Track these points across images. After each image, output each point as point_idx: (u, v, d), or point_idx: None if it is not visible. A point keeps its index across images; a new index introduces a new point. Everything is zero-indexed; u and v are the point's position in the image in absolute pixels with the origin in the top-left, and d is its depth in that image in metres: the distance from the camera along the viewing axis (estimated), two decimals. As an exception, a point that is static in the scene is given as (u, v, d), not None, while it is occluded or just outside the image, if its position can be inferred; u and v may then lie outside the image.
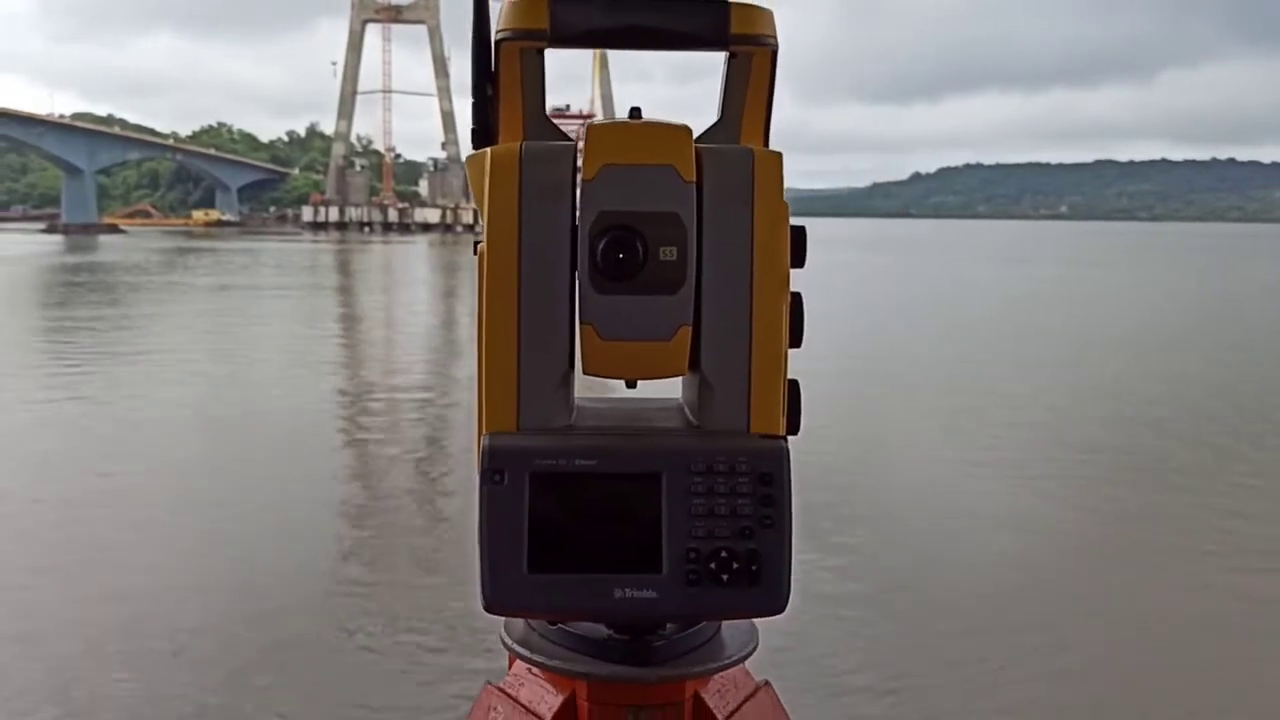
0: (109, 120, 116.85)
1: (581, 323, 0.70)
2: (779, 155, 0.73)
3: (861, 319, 17.08)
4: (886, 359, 13.33)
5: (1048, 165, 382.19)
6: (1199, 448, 8.34)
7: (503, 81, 0.76)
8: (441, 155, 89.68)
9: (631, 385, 0.74)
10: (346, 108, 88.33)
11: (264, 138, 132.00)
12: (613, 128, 0.71)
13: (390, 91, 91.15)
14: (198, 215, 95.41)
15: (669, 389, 0.81)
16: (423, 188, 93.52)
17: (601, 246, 0.69)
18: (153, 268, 33.52)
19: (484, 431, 0.71)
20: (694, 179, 0.70)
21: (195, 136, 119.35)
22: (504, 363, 0.71)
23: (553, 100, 0.85)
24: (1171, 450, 8.25)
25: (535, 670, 0.77)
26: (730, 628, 0.78)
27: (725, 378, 0.72)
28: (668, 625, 0.74)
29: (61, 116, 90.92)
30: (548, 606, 0.70)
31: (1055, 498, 6.78)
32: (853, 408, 9.46)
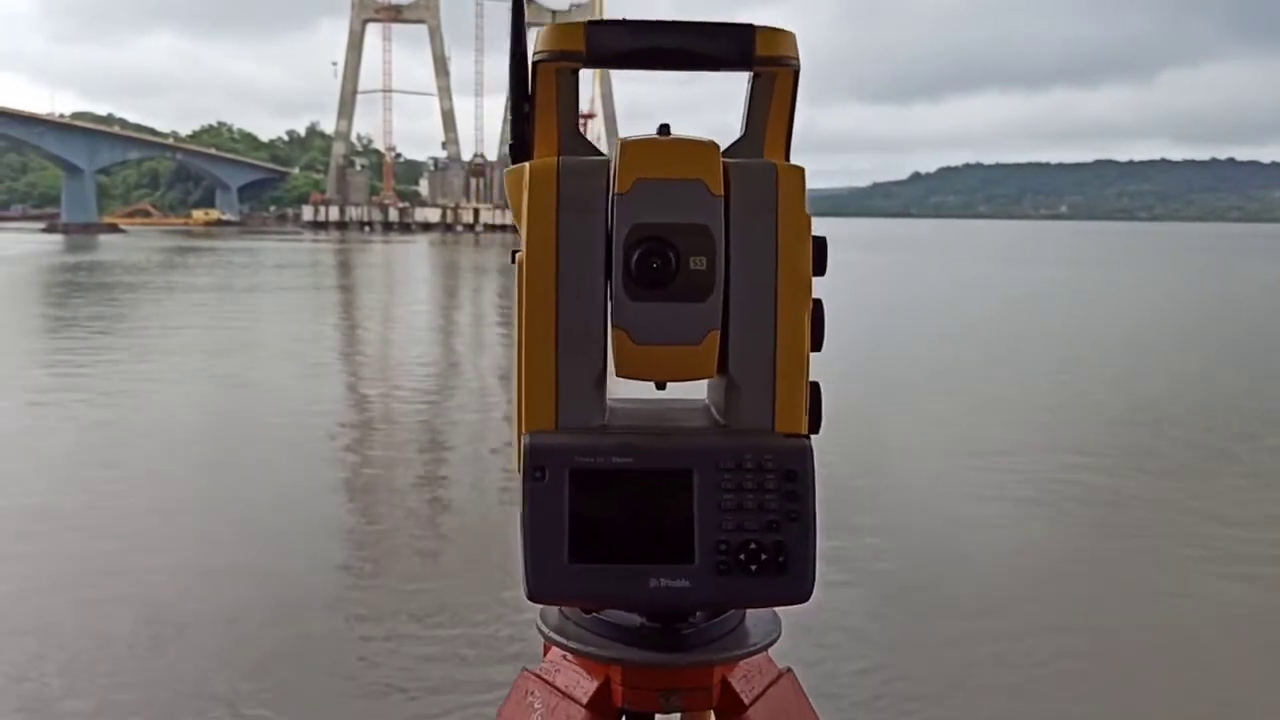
0: (109, 120, 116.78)
1: (615, 328, 0.74)
2: (801, 170, 0.77)
3: (862, 319, 17.11)
4: (886, 359, 13.36)
5: (1048, 165, 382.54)
6: (1197, 448, 8.38)
7: (539, 100, 0.80)
8: (442, 155, 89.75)
9: (661, 387, 0.78)
10: (347, 107, 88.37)
11: (264, 137, 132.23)
12: (646, 144, 0.75)
13: (390, 91, 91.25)
14: (198, 215, 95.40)
15: (693, 391, 0.85)
16: (423, 187, 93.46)
17: (636, 256, 0.73)
18: (153, 267, 33.56)
19: (524, 431, 0.75)
20: (722, 193, 0.74)
21: (195, 136, 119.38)
22: (543, 365, 0.75)
23: None
24: (1171, 450, 8.29)
25: (569, 657, 0.81)
26: (754, 618, 0.82)
27: (751, 380, 0.76)
28: (697, 614, 0.78)
29: (62, 116, 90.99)
30: (587, 595, 0.74)
31: (1054, 497, 6.82)
32: (850, 407, 9.49)
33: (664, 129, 0.78)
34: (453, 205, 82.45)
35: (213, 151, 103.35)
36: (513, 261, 0.77)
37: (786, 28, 0.80)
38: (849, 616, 4.66)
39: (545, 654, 0.84)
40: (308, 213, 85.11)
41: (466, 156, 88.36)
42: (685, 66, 0.81)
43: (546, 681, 0.81)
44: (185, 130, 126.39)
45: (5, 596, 4.85)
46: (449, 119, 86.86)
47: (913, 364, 13.12)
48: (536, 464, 0.73)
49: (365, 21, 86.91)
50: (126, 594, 4.84)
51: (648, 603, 0.75)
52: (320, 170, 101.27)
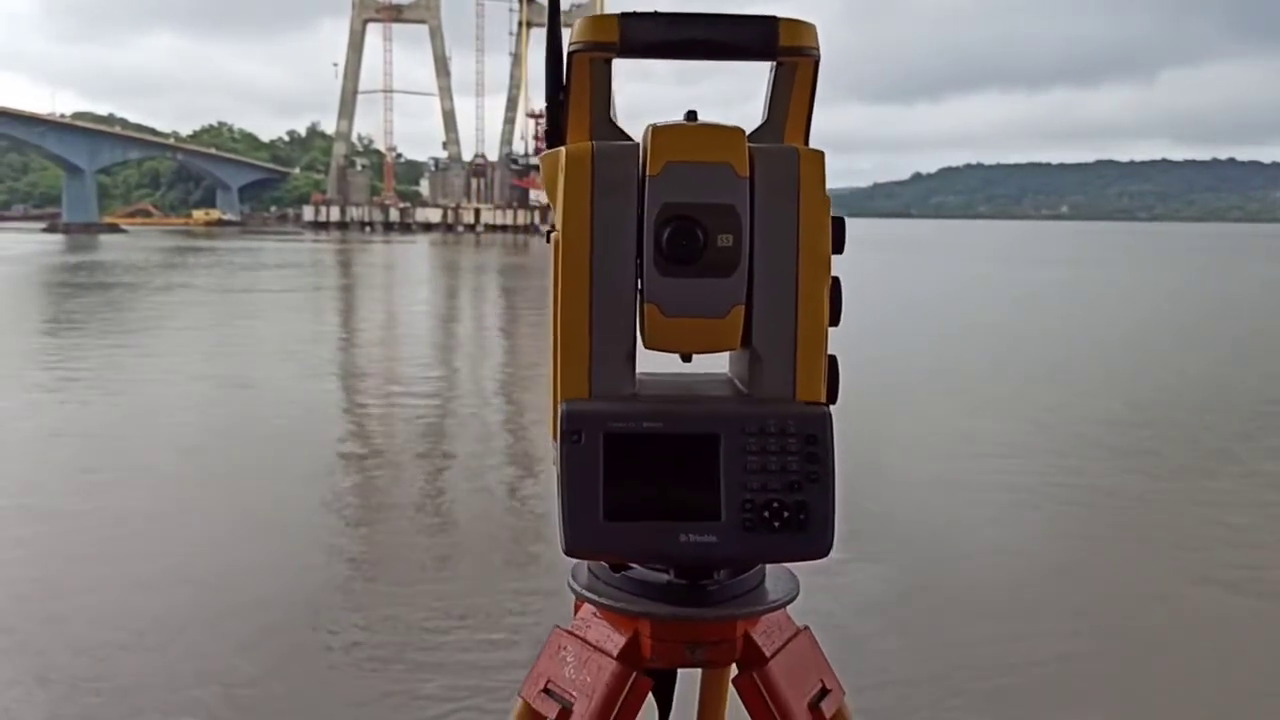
0: (110, 120, 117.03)
1: (646, 302, 0.79)
2: (821, 154, 0.82)
3: (861, 319, 17.13)
4: (886, 359, 13.40)
5: (1048, 165, 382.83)
6: (1197, 448, 8.42)
7: (574, 88, 0.85)
8: (442, 155, 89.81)
9: (687, 359, 0.84)
10: (347, 107, 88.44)
11: (265, 137, 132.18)
12: (675, 129, 0.80)
13: (391, 91, 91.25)
14: (198, 215, 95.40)
15: (715, 367, 0.90)
16: (424, 187, 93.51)
17: (666, 234, 0.78)
18: (153, 267, 33.59)
19: (560, 399, 0.80)
20: (748, 175, 0.79)
21: (196, 136, 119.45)
22: (578, 337, 0.80)
23: None
24: (1171, 450, 8.34)
25: (599, 614, 0.86)
26: (774, 578, 0.87)
27: (774, 351, 0.81)
28: (721, 572, 0.83)
29: (62, 116, 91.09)
30: (621, 550, 0.79)
31: (1054, 497, 6.86)
32: (851, 407, 9.51)
33: (691, 115, 0.83)
34: (453, 205, 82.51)
35: (213, 151, 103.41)
36: (548, 241, 0.82)
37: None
38: (845, 616, 4.69)
39: (575, 612, 0.90)
40: (308, 213, 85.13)
41: (467, 157, 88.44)
42: (713, 56, 0.86)
43: (578, 637, 0.86)
44: (186, 130, 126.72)
45: (6, 597, 4.88)
46: (450, 119, 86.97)
47: (913, 364, 13.16)
48: (573, 429, 0.78)
49: (366, 21, 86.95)
50: (126, 595, 4.86)
51: (678, 557, 0.80)
52: (321, 170, 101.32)
